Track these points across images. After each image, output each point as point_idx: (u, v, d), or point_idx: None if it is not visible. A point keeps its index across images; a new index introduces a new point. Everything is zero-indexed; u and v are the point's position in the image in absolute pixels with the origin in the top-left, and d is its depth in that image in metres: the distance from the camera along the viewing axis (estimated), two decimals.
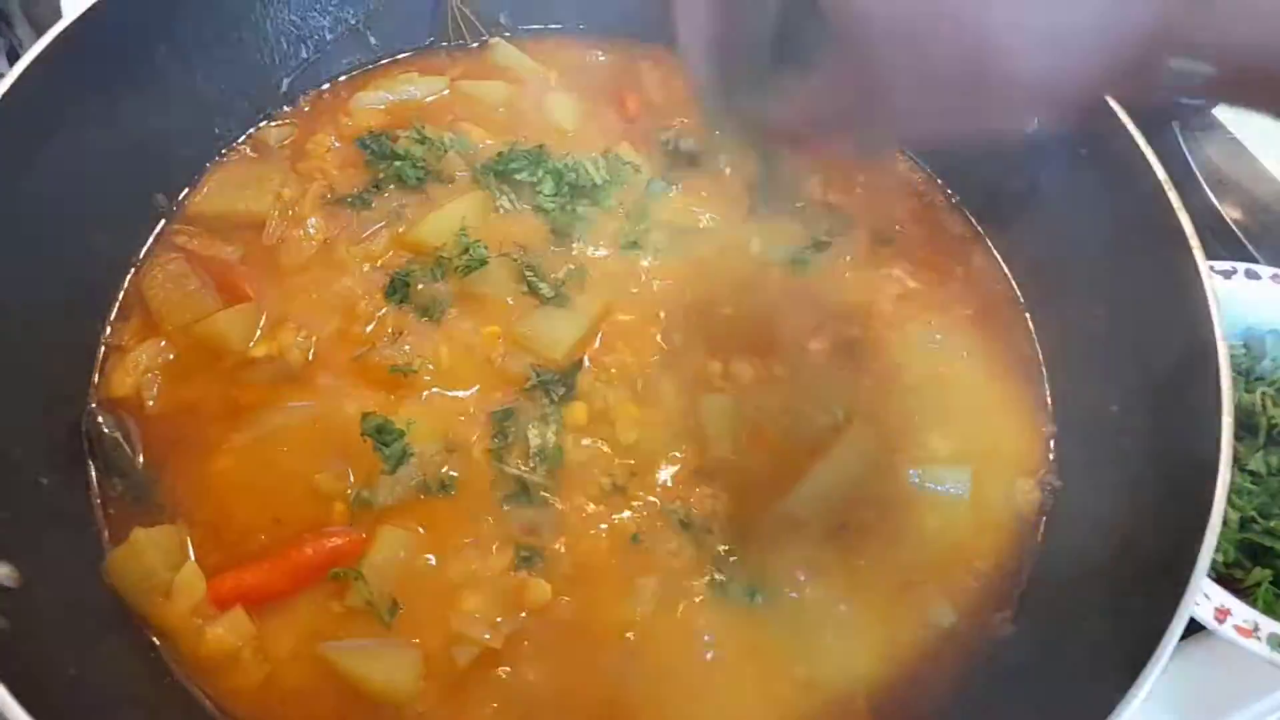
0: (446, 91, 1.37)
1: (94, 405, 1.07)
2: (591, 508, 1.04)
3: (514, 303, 1.16)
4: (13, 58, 1.24)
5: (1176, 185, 1.05)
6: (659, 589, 1.00)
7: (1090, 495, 1.07)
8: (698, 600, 1.00)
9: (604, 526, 1.03)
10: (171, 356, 1.11)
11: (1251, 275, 1.30)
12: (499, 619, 0.97)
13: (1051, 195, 1.20)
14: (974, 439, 1.13)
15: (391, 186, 1.24)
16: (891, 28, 0.60)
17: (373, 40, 1.39)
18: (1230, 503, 1.15)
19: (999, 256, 1.28)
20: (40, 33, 1.03)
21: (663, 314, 1.17)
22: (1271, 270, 1.30)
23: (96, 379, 1.09)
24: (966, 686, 0.99)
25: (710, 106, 0.82)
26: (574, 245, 1.21)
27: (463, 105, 1.35)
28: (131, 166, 1.17)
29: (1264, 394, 1.23)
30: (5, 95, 0.98)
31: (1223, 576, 1.14)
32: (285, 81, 1.33)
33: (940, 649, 1.01)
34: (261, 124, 1.31)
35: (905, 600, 1.03)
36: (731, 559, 1.02)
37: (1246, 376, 1.27)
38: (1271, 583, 1.12)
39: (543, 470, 1.04)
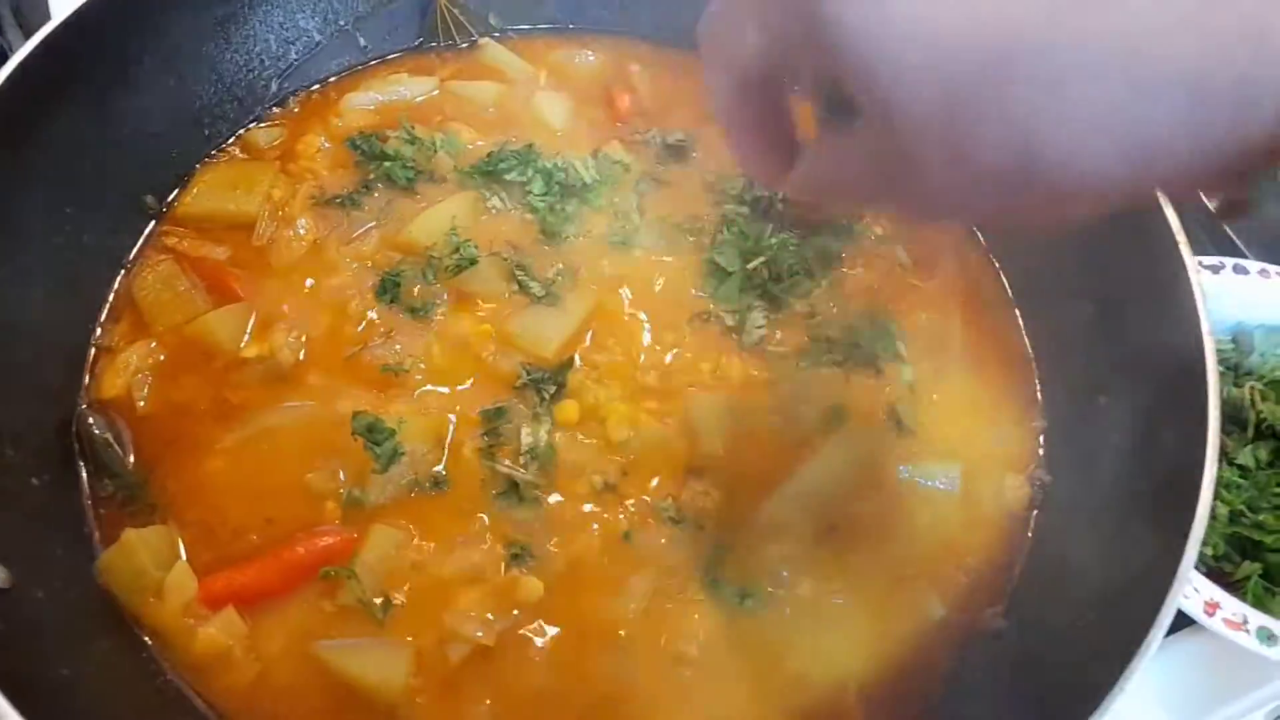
0: (436, 92, 1.37)
1: (85, 406, 1.07)
2: (583, 506, 1.04)
3: (504, 301, 1.16)
4: (1, 61, 1.23)
5: None
6: (650, 586, 1.00)
7: (1079, 490, 1.08)
8: (689, 597, 1.01)
9: (595, 525, 1.03)
10: (162, 357, 1.11)
11: (1240, 270, 1.30)
12: (491, 616, 0.97)
13: None
14: (964, 435, 1.13)
15: (381, 187, 1.24)
16: (928, 126, 0.50)
17: (362, 41, 1.39)
18: (1219, 497, 1.17)
19: (989, 252, 1.29)
20: (29, 34, 1.03)
21: (653, 312, 1.18)
22: (1260, 266, 1.30)
23: (87, 380, 1.09)
24: (957, 680, 0.99)
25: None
26: (564, 244, 1.21)
27: (452, 105, 1.35)
28: (121, 168, 1.17)
29: (1253, 388, 1.24)
30: None
31: (1212, 570, 1.15)
32: (274, 83, 1.33)
33: (931, 643, 1.01)
34: (251, 125, 1.31)
35: (896, 595, 1.03)
36: (723, 557, 1.03)
37: (1235, 371, 1.28)
38: (1261, 576, 1.13)
39: (534, 468, 1.04)
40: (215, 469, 1.04)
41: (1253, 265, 1.30)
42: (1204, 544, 1.13)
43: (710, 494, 1.06)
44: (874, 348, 1.15)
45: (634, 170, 1.28)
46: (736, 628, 0.99)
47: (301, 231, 1.20)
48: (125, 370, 1.09)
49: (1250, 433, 1.22)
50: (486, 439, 1.06)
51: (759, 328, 1.17)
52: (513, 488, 1.03)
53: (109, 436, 1.05)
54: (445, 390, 1.10)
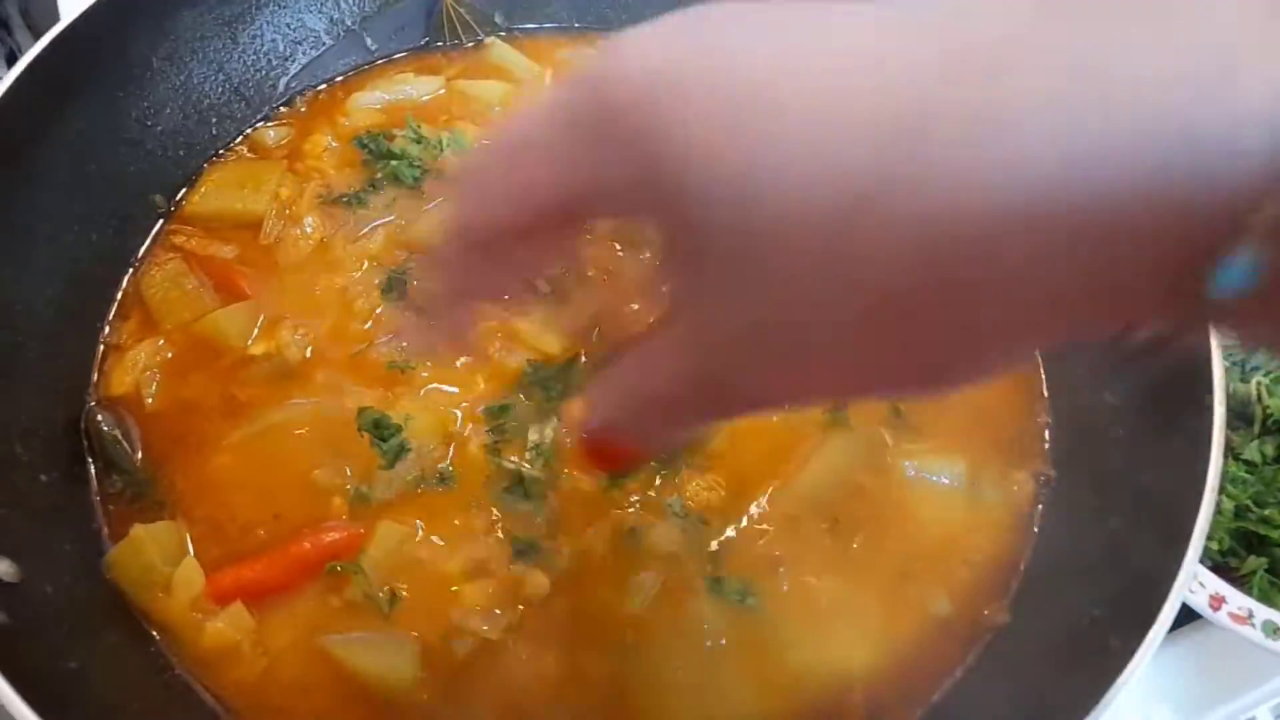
0: (443, 91, 1.38)
1: (93, 404, 1.08)
2: (588, 502, 1.05)
3: (511, 299, 1.16)
4: (11, 63, 1.25)
5: None
6: (656, 581, 1.01)
7: (1084, 486, 1.08)
8: (695, 593, 1.01)
9: (601, 520, 1.04)
10: (170, 355, 1.11)
11: None
12: (497, 611, 0.97)
13: None
14: (968, 431, 1.13)
15: (388, 185, 1.25)
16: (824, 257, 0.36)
17: (369, 41, 1.40)
18: (1225, 492, 1.16)
19: None
20: (38, 35, 1.04)
21: (658, 308, 1.18)
22: None
23: (96, 377, 1.10)
24: (961, 675, 1.00)
25: None
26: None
27: (459, 104, 1.36)
28: (129, 167, 1.18)
29: (1259, 383, 1.23)
30: (3, 97, 0.99)
31: (1218, 565, 1.14)
32: (282, 82, 1.34)
33: (935, 638, 1.01)
34: (258, 124, 1.32)
35: (900, 591, 1.03)
36: (726, 552, 1.03)
37: (1242, 366, 1.27)
38: (1267, 570, 1.13)
39: (540, 464, 1.05)
40: (223, 465, 1.05)
41: None
42: (1210, 539, 1.13)
43: (715, 490, 1.06)
44: None
45: None
46: (740, 624, 1.00)
47: (309, 230, 1.21)
48: (134, 368, 1.10)
49: (1257, 428, 1.21)
50: (492, 435, 1.06)
51: None
52: (519, 483, 1.04)
53: (118, 433, 1.05)
54: (451, 387, 1.10)
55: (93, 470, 1.04)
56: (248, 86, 1.31)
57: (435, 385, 1.10)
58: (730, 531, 1.04)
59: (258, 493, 1.03)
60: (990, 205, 0.33)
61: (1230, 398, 1.22)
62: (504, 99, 1.37)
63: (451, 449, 1.06)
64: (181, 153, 1.24)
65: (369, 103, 1.35)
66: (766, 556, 1.03)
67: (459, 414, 1.08)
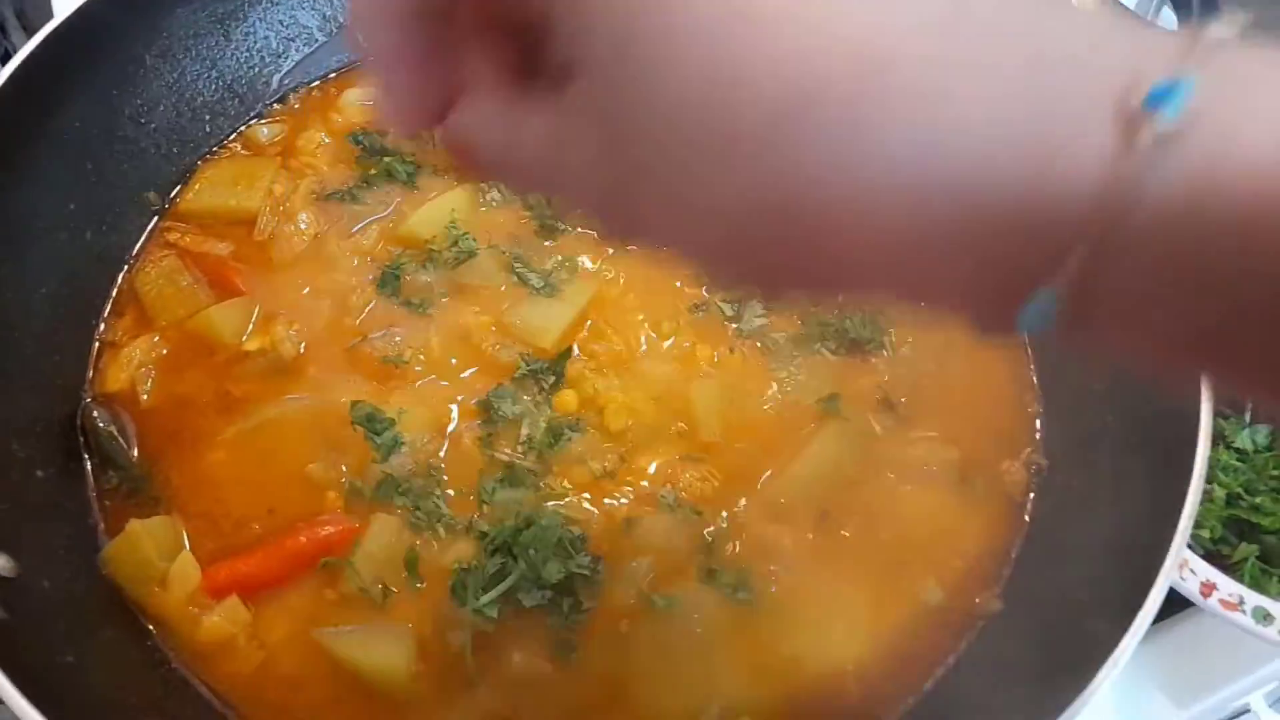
0: None
1: (89, 400, 1.08)
2: (582, 493, 1.05)
3: (504, 293, 1.17)
4: (5, 61, 1.25)
5: None
6: (650, 572, 1.01)
7: (1075, 474, 1.08)
8: (688, 583, 1.01)
9: (595, 511, 1.04)
10: (165, 351, 1.12)
11: None
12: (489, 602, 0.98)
13: None
14: (961, 420, 1.14)
15: (382, 181, 1.26)
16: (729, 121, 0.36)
17: (362, 38, 1.40)
18: (1217, 480, 1.17)
19: None
20: (32, 33, 1.04)
21: (651, 302, 1.18)
22: None
23: (91, 374, 1.11)
24: (954, 662, 1.00)
25: None
26: (562, 236, 1.22)
27: None
28: (123, 165, 1.19)
29: None
30: None
31: (1210, 553, 1.15)
32: (275, 79, 1.34)
33: (928, 627, 1.02)
34: (252, 121, 1.32)
35: (893, 580, 1.04)
36: (720, 542, 1.03)
37: None
38: (1258, 558, 1.13)
39: (532, 457, 1.05)
40: (218, 461, 1.05)
41: None
42: (1201, 527, 1.14)
43: (708, 480, 1.06)
44: (874, 334, 1.16)
45: None
46: (734, 614, 1.00)
47: (303, 226, 1.21)
48: (129, 364, 1.11)
49: (1248, 416, 1.22)
50: (485, 428, 1.07)
51: (758, 316, 1.17)
52: (512, 476, 1.04)
53: (113, 429, 1.06)
54: (445, 382, 1.11)
55: (89, 466, 1.05)
56: (241, 83, 1.31)
57: (429, 379, 1.11)
58: (723, 522, 1.05)
59: (252, 487, 1.03)
60: (893, 158, 0.35)
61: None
62: None
63: (445, 442, 1.07)
64: (175, 150, 1.25)
65: (362, 99, 1.35)
66: (760, 547, 1.04)
67: (453, 408, 1.09)
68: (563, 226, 1.22)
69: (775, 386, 1.13)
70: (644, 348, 1.15)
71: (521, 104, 0.45)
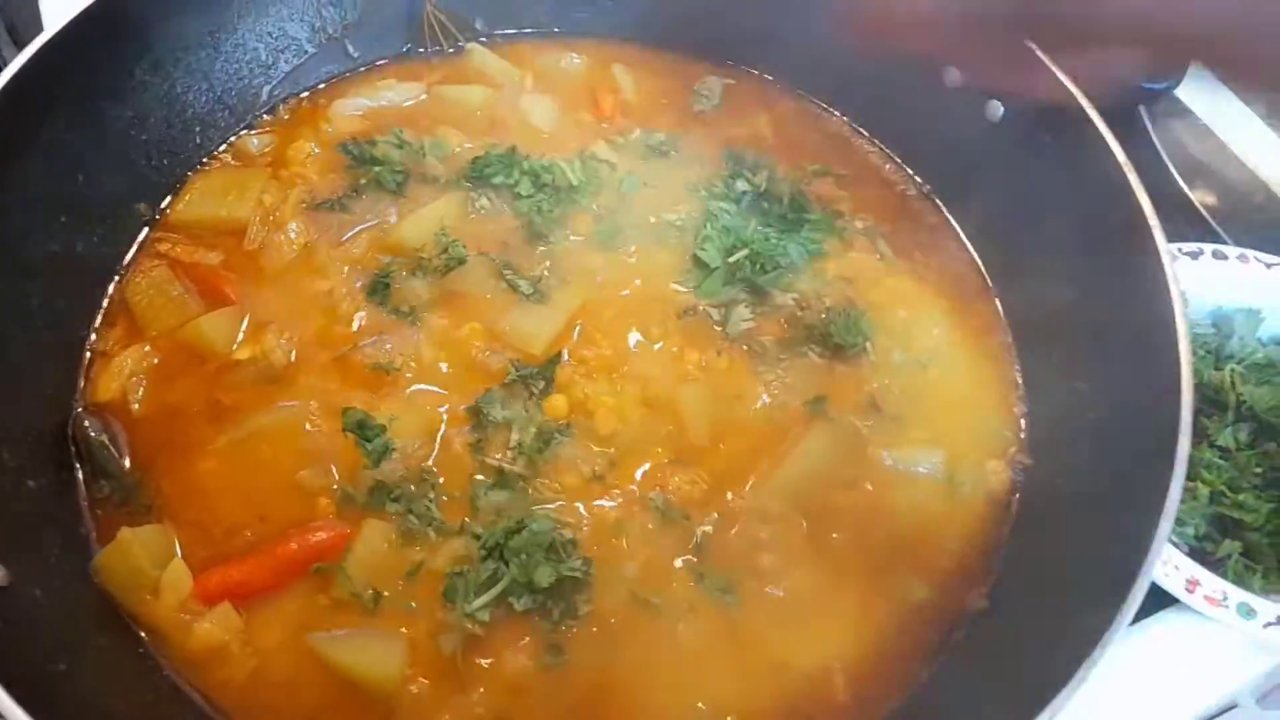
0: (424, 96, 1.39)
1: (80, 409, 1.09)
2: (572, 497, 1.06)
3: (493, 300, 1.18)
4: None
5: (1144, 169, 1.07)
6: (640, 575, 1.02)
7: (1060, 473, 1.10)
8: (677, 585, 1.02)
9: (585, 514, 1.05)
10: (156, 361, 1.12)
11: (1219, 256, 1.32)
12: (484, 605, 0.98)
13: (1017, 181, 1.22)
14: (946, 422, 1.15)
15: (371, 190, 1.26)
16: None
17: (351, 49, 1.41)
18: (1200, 478, 1.18)
19: (967, 242, 1.31)
20: (22, 46, 1.05)
21: (640, 308, 1.19)
22: (1238, 251, 1.32)
23: (83, 384, 1.11)
24: (942, 659, 1.01)
25: None
26: (551, 243, 1.23)
27: (440, 109, 1.37)
28: (114, 176, 1.19)
29: (1233, 371, 1.25)
30: None
31: (1194, 550, 1.16)
32: (265, 90, 1.35)
33: (915, 625, 1.03)
34: (242, 132, 1.33)
35: (881, 579, 1.05)
36: (709, 545, 1.04)
37: (1215, 355, 1.29)
38: (1242, 554, 1.14)
39: (522, 462, 1.06)
40: (209, 469, 1.06)
41: (1231, 251, 1.32)
42: (1185, 524, 1.15)
43: (697, 483, 1.07)
44: (856, 337, 1.17)
45: (619, 169, 1.30)
46: (723, 615, 1.01)
47: (293, 235, 1.22)
48: (120, 374, 1.11)
49: (1230, 415, 1.23)
50: (476, 434, 1.07)
51: (745, 320, 1.18)
52: (502, 480, 1.05)
53: (105, 439, 1.06)
54: (435, 388, 1.12)
55: (80, 475, 1.05)
56: (231, 95, 1.32)
57: (420, 386, 1.12)
58: (711, 525, 1.05)
59: (244, 495, 1.04)
60: None
61: (1204, 385, 1.25)
62: (485, 104, 1.38)
63: (436, 448, 1.07)
64: (166, 161, 1.26)
65: (351, 109, 1.37)
66: (748, 549, 1.05)
67: (444, 413, 1.10)
68: (552, 232, 1.23)
69: (762, 389, 1.14)
70: (633, 353, 1.15)
71: None
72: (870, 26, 0.83)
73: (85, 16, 1.09)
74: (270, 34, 1.34)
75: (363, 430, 1.05)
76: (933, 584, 1.05)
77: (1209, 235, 1.38)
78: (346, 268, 1.20)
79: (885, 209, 1.33)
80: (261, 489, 1.04)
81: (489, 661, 0.97)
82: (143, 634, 0.97)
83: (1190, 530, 1.15)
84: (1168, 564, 1.08)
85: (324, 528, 1.02)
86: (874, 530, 1.07)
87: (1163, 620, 1.13)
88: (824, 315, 1.19)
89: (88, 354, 1.13)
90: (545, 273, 1.21)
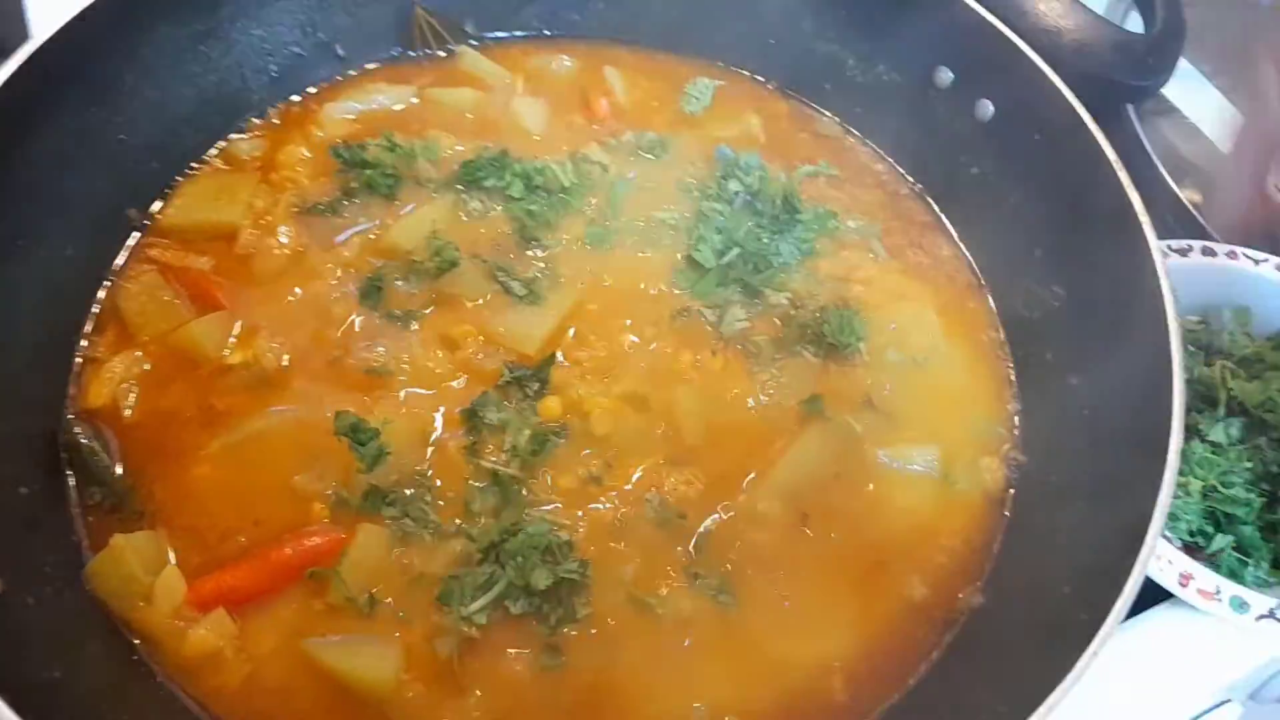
0: (415, 100, 1.39)
1: (71, 416, 1.08)
2: (568, 499, 1.06)
3: (487, 302, 1.18)
4: None
5: (1132, 168, 1.08)
6: (636, 576, 1.02)
7: (1054, 469, 1.10)
8: (674, 586, 1.02)
9: (581, 516, 1.05)
10: (147, 366, 1.12)
11: (1207, 253, 1.33)
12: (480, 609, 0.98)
13: (1008, 179, 1.23)
14: (940, 420, 1.16)
15: (363, 194, 1.26)
16: None
17: (341, 52, 1.41)
18: (1193, 473, 1.19)
19: (960, 241, 1.31)
20: (8, 54, 1.04)
21: (634, 309, 1.19)
22: (1226, 248, 1.33)
23: (73, 390, 1.10)
24: (939, 656, 1.01)
25: None
26: (544, 245, 1.23)
27: (432, 112, 1.37)
28: (103, 182, 1.18)
29: (1223, 366, 1.26)
30: None
31: (1188, 545, 1.16)
32: (255, 95, 1.35)
33: (912, 622, 1.03)
34: (232, 137, 1.32)
35: (877, 577, 1.05)
36: (705, 545, 1.04)
37: (1206, 351, 1.30)
38: (1234, 548, 1.15)
39: (517, 464, 1.06)
40: (202, 474, 1.05)
41: (1220, 248, 1.33)
42: (1178, 519, 1.16)
43: (692, 484, 1.07)
44: (850, 337, 1.17)
45: (611, 171, 1.30)
46: (721, 615, 1.01)
47: (284, 240, 1.22)
48: (111, 380, 1.10)
49: (1221, 410, 1.24)
50: (470, 436, 1.07)
51: (739, 321, 1.19)
52: (497, 483, 1.05)
53: (96, 445, 1.06)
54: (430, 391, 1.11)
55: (71, 482, 1.05)
56: (221, 100, 1.31)
57: (414, 389, 1.11)
58: (708, 525, 1.05)
59: (238, 500, 1.03)
60: None
61: (1195, 381, 1.25)
62: (476, 106, 1.38)
63: (430, 451, 1.07)
64: (156, 166, 1.25)
65: (342, 113, 1.36)
66: (745, 548, 1.05)
67: (438, 417, 1.09)
68: (545, 234, 1.23)
69: (757, 389, 1.14)
70: (627, 353, 1.15)
71: None
72: None
73: (73, 22, 1.08)
74: (260, 38, 1.34)
75: (356, 434, 1.04)
76: (929, 581, 1.06)
77: (1197, 232, 1.39)
78: (339, 271, 1.20)
79: (877, 208, 1.33)
80: (255, 494, 1.04)
81: (486, 664, 0.97)
82: (136, 641, 0.97)
83: (1183, 525, 1.16)
84: (1161, 559, 1.08)
85: (318, 532, 1.01)
86: (870, 528, 1.07)
87: (1157, 614, 1.14)
88: (818, 314, 1.19)
89: (78, 360, 1.13)
90: (538, 275, 1.20)
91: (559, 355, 1.14)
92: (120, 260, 1.20)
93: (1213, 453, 1.19)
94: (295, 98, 1.38)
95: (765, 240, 1.24)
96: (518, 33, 1.48)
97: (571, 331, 1.17)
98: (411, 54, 1.44)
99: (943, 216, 1.34)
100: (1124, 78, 1.29)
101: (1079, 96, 1.13)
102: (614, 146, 1.34)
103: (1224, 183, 1.47)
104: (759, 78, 1.46)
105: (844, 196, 1.33)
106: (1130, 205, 1.06)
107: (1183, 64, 1.38)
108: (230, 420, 1.08)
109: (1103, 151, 1.10)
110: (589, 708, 0.96)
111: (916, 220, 1.33)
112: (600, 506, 1.06)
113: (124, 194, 1.22)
